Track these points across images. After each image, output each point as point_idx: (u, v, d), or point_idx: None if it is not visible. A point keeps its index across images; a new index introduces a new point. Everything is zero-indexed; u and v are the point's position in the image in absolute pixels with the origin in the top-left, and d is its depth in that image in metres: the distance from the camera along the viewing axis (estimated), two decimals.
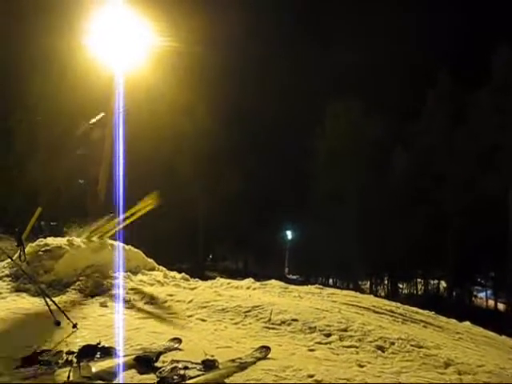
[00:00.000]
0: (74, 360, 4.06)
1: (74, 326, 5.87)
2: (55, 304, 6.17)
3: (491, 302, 43.06)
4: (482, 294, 45.34)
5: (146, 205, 9.65)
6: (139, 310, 7.42)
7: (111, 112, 16.06)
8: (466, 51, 43.00)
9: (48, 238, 9.66)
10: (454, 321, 9.59)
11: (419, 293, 45.90)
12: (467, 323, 9.68)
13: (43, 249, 9.13)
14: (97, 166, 16.87)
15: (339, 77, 47.58)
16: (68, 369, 3.97)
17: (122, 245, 10.51)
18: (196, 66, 34.24)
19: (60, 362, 4.08)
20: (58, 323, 5.87)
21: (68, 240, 9.54)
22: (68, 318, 5.95)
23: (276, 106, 44.06)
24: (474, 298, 44.45)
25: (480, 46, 40.42)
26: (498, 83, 36.63)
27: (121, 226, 10.16)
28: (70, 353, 4.20)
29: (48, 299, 6.25)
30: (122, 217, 10.07)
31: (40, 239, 9.60)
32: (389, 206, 40.44)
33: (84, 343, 4.54)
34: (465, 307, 38.77)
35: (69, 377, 3.92)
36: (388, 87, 43.09)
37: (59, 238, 9.74)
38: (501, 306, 40.21)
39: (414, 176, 40.07)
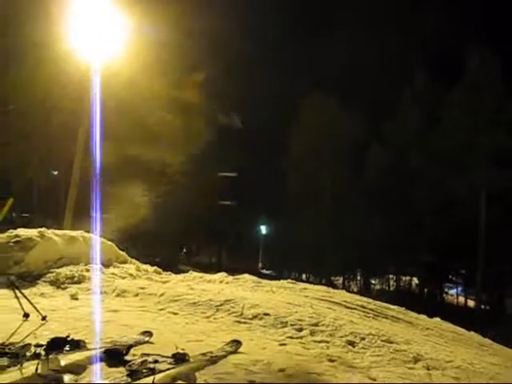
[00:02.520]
0: (43, 353, 3.98)
1: (44, 318, 5.80)
2: (24, 296, 6.08)
3: (462, 299, 43.69)
4: (453, 291, 45.97)
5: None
6: (110, 302, 7.37)
7: (88, 102, 15.94)
8: (444, 50, 43.29)
9: (19, 229, 9.53)
10: (424, 317, 9.68)
11: (391, 289, 46.31)
12: (437, 319, 9.79)
13: (14, 240, 8.99)
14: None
15: (316, 73, 47.70)
16: (36, 362, 3.91)
17: (94, 237, 10.43)
18: (176, 59, 33.97)
19: (28, 354, 4.01)
20: (26, 315, 5.80)
21: (39, 231, 9.41)
22: (37, 311, 5.88)
23: (253, 101, 43.97)
24: (444, 295, 45.02)
25: (457, 45, 40.77)
26: (470, 84, 37.04)
27: None
28: (38, 345, 4.13)
29: (17, 291, 6.17)
30: None
31: (11, 230, 9.47)
32: (363, 203, 40.65)
33: (53, 336, 4.48)
34: (436, 304, 39.27)
35: (37, 369, 3.87)
36: (365, 84, 43.27)
37: (30, 230, 9.61)
38: (471, 303, 40.82)
39: (389, 173, 40.30)
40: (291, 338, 6.07)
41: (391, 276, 46.92)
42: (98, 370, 4.22)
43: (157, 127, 37.01)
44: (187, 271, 11.48)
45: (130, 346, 4.71)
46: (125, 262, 10.75)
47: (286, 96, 46.16)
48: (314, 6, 50.57)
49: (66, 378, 3.95)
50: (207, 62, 37.25)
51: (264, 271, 47.49)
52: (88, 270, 8.96)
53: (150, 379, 3.78)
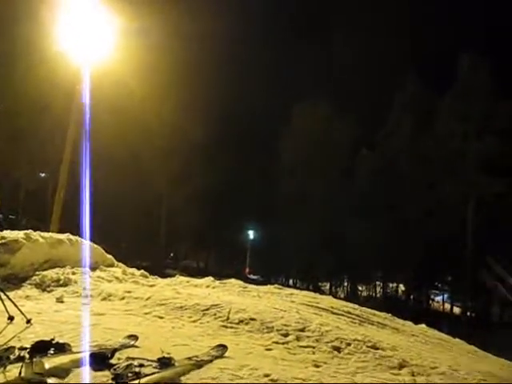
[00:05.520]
0: (27, 356, 3.96)
1: (28, 321, 5.77)
2: (9, 298, 6.04)
3: (448, 306, 43.89)
4: (439, 298, 46.20)
5: None
6: (96, 306, 7.34)
7: (77, 104, 15.89)
8: (435, 56, 43.73)
9: (5, 231, 9.47)
10: (410, 323, 9.73)
11: (378, 295, 46.45)
12: (423, 326, 9.85)
13: None
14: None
15: (309, 78, 47.93)
16: (20, 365, 3.89)
17: (81, 240, 10.39)
18: (167, 61, 34.02)
19: (12, 357, 3.98)
20: (11, 318, 5.76)
21: (25, 233, 9.36)
22: (22, 313, 5.84)
23: (244, 106, 44.09)
24: (431, 302, 45.21)
25: (448, 52, 41.21)
26: (461, 90, 37.30)
27: None
28: (22, 348, 4.10)
29: (2, 293, 6.12)
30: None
31: None
32: (352, 209, 40.78)
33: (37, 339, 4.45)
34: (422, 310, 39.43)
35: (21, 373, 3.85)
36: (356, 90, 43.55)
37: (16, 232, 9.56)
38: (457, 310, 41.01)
39: (379, 179, 40.45)
40: (277, 343, 6.07)
41: (378, 282, 47.09)
42: (82, 373, 4.20)
43: (149, 128, 37.08)
44: (174, 275, 11.48)
45: (115, 350, 4.69)
46: (111, 266, 10.72)
47: (278, 100, 46.34)
48: (308, 14, 50.97)
49: (50, 381, 3.93)
50: (199, 64, 37.32)
51: (251, 276, 47.50)
52: (74, 273, 8.92)
53: (134, 383, 3.77)
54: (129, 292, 8.13)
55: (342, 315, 8.50)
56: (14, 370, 3.88)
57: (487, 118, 35.94)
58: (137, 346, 5.18)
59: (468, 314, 38.83)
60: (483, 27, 43.01)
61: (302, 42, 50.18)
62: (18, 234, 9.32)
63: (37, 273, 8.67)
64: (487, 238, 34.34)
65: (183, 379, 4.30)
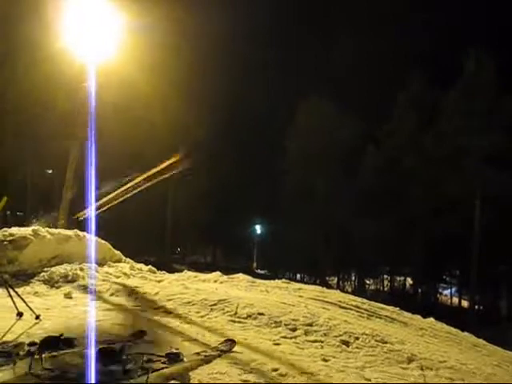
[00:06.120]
0: (36, 352, 3.98)
1: (37, 317, 5.79)
2: (18, 295, 6.07)
3: (456, 300, 43.80)
4: (447, 292, 46.12)
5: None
6: (104, 301, 7.35)
7: (83, 101, 15.89)
8: (439, 52, 43.49)
9: (13, 228, 9.50)
10: (418, 317, 9.70)
11: (386, 289, 46.40)
12: (431, 319, 9.81)
13: (7, 238, 8.95)
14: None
15: (313, 75, 47.82)
16: (29, 360, 3.90)
17: (88, 236, 10.40)
18: (171, 59, 33.95)
19: (21, 353, 4.00)
20: (20, 314, 5.79)
21: (33, 230, 9.39)
22: (31, 309, 5.87)
23: (249, 103, 44.04)
24: (439, 295, 45.13)
25: (452, 47, 40.98)
26: (465, 86, 37.10)
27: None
28: (31, 344, 4.12)
29: (11, 290, 6.15)
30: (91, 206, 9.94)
31: (4, 229, 9.43)
32: (358, 204, 40.71)
33: (46, 335, 4.46)
34: (430, 304, 39.37)
35: (30, 368, 3.86)
36: (360, 86, 43.37)
37: (24, 228, 9.58)
38: (465, 304, 40.92)
39: (384, 175, 40.34)
40: (285, 337, 6.06)
41: (386, 276, 47.03)
42: (91, 369, 4.21)
43: (153, 126, 37.07)
44: (182, 270, 11.49)
45: (124, 345, 4.70)
46: (119, 261, 10.74)
47: (282, 98, 46.30)
48: (311, 10, 50.76)
49: (60, 377, 3.94)
50: (204, 62, 37.25)
51: (259, 271, 47.59)
52: (82, 269, 8.93)
53: (143, 378, 3.77)
54: (137, 287, 8.15)
55: (350, 309, 8.49)
56: (23, 366, 3.89)
57: (493, 113, 35.73)
58: (145, 342, 5.18)
59: (476, 307, 38.75)
60: (487, 23, 42.71)
61: (306, 39, 50.03)
62: (26, 231, 9.35)
63: (45, 269, 8.70)
64: (494, 231, 34.23)
65: (192, 374, 4.29)
